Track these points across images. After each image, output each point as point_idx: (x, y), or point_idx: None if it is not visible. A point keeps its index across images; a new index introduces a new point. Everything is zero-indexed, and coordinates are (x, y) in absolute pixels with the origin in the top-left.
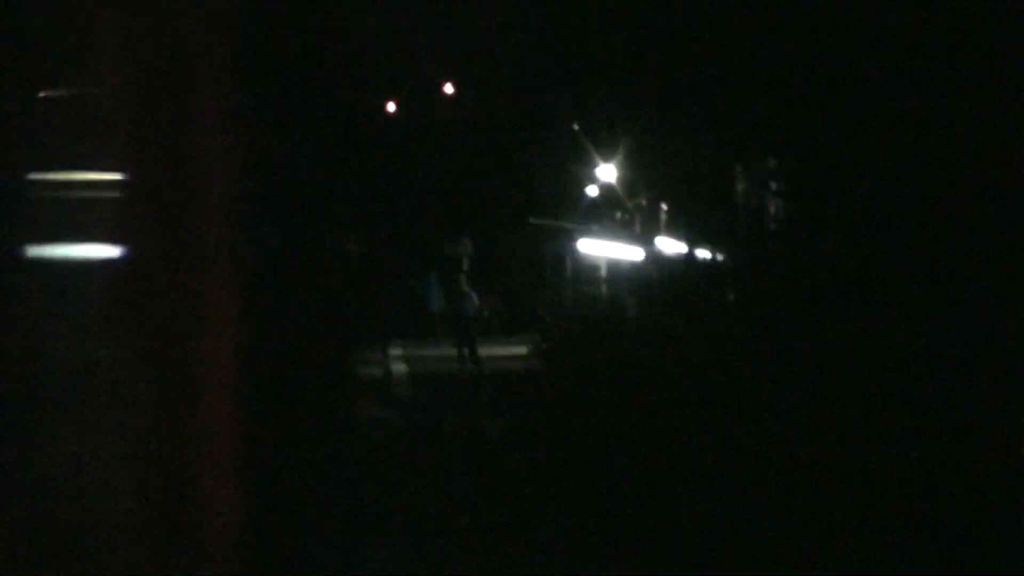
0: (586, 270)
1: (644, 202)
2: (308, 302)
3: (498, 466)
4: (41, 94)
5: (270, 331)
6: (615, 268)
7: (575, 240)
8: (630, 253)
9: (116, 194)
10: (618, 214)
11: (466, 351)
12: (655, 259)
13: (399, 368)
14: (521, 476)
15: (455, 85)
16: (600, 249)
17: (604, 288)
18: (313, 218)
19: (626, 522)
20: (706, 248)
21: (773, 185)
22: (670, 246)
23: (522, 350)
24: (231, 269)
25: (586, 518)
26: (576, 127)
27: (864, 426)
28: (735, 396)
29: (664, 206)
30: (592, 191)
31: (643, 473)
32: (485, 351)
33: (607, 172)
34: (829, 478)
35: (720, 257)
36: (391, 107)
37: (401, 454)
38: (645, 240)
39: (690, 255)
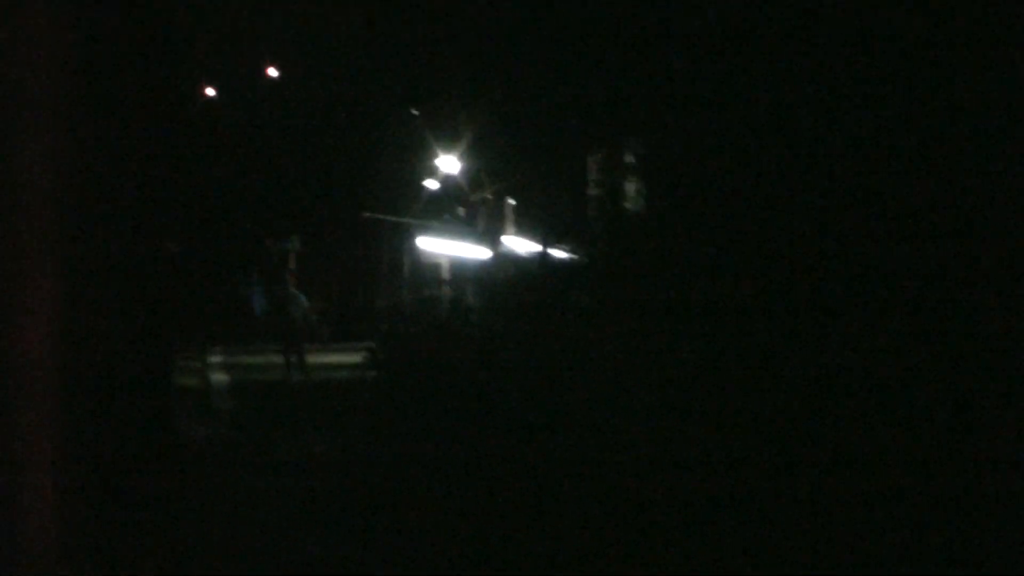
0: (426, 270)
1: (489, 196)
2: (117, 302)
3: (325, 496)
4: None
5: (72, 335)
6: (458, 269)
7: (414, 237)
8: (474, 252)
9: None
10: (460, 209)
11: (293, 359)
12: (502, 259)
13: (219, 378)
14: (351, 508)
15: (280, 68)
16: (441, 248)
17: (446, 291)
18: (122, 212)
19: (469, 547)
20: (558, 246)
21: (631, 176)
22: (518, 245)
23: (355, 358)
24: (34, 270)
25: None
26: (415, 113)
27: (734, 441)
28: (587, 412)
29: (510, 200)
30: (432, 184)
31: (485, 498)
32: (314, 359)
33: (448, 163)
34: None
35: (574, 257)
36: (210, 92)
37: (217, 481)
38: (490, 238)
39: (542, 255)
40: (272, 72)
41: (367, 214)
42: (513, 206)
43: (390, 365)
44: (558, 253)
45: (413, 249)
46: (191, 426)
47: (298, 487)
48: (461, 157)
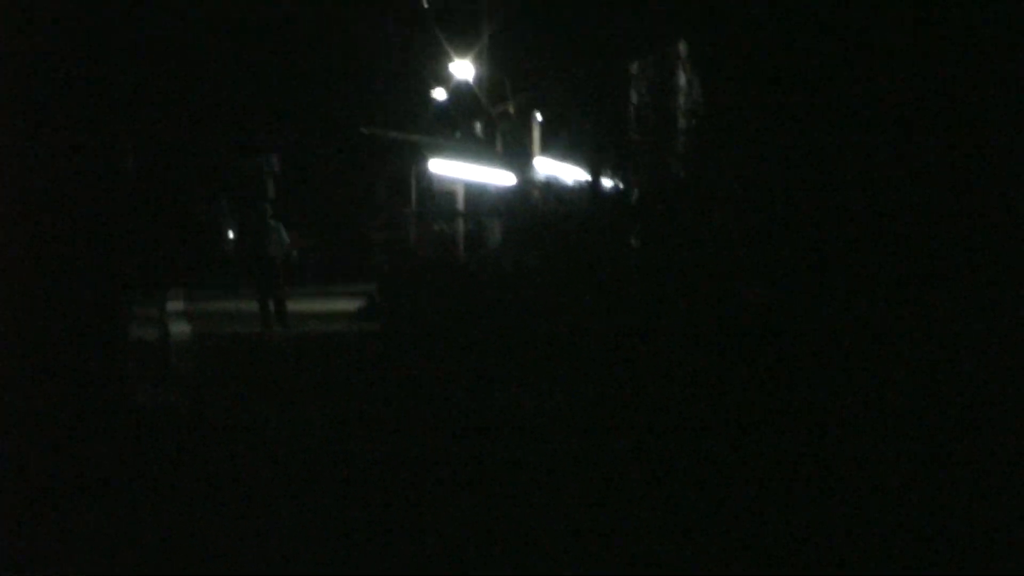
0: (437, 199)
1: (511, 110)
2: (57, 235)
3: (305, 483)
4: None
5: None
6: (476, 198)
7: (422, 159)
8: (496, 178)
9: None
10: (477, 125)
11: (271, 307)
12: (532, 186)
13: (181, 329)
14: (354, 514)
15: None
16: (456, 171)
17: (462, 225)
18: (61, 121)
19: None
20: (598, 172)
21: (683, 84)
22: (552, 169)
23: (348, 306)
24: None
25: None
26: (424, 4)
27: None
28: (637, 380)
29: (538, 115)
30: (441, 94)
31: (512, 488)
32: (296, 306)
33: (462, 69)
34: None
35: (621, 186)
36: None
37: (176, 461)
38: (516, 160)
39: (592, 184)
40: None
41: (364, 129)
42: (540, 122)
43: (394, 316)
44: (603, 181)
45: (422, 173)
46: (145, 391)
47: (275, 472)
48: (478, 61)
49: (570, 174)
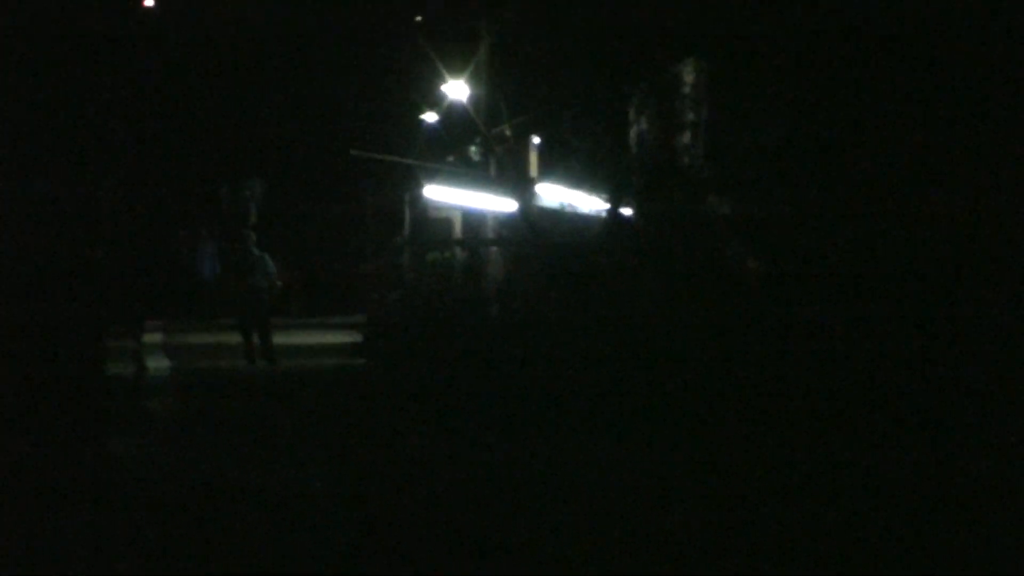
0: (432, 227)
1: (508, 132)
2: (32, 267)
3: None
4: None
5: None
6: (474, 225)
7: (416, 185)
8: (495, 204)
9: None
10: (472, 149)
11: (256, 340)
12: (539, 215)
13: (158, 364)
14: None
15: None
16: (453, 197)
17: (460, 254)
18: (38, 150)
19: None
20: (619, 202)
21: (688, 105)
22: (555, 194)
23: (336, 340)
24: None
25: None
26: (416, 21)
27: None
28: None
29: (535, 139)
30: (431, 117)
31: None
32: (281, 340)
33: (456, 89)
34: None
35: (626, 213)
36: (148, 1)
37: (152, 520)
38: (515, 186)
39: (611, 212)
40: None
41: (353, 152)
42: (538, 145)
43: (386, 354)
44: (612, 208)
45: (415, 199)
46: (119, 438)
47: (263, 534)
48: (473, 81)
49: (578, 201)
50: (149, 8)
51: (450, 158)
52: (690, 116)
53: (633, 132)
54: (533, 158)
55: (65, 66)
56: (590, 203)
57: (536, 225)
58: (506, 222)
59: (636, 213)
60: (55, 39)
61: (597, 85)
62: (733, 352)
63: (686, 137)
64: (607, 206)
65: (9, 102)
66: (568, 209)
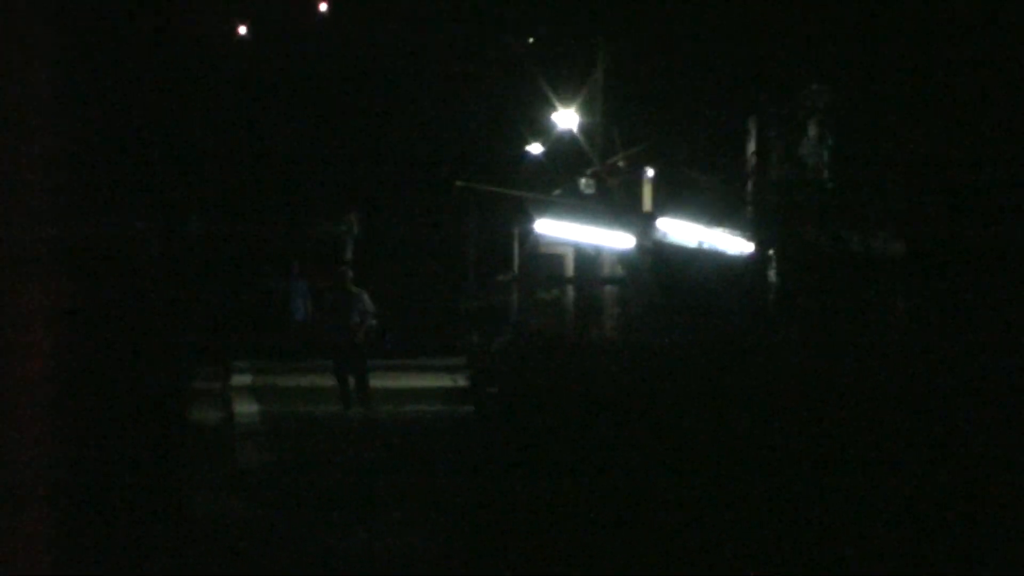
0: (542, 263)
1: (621, 164)
2: (119, 309)
3: None
4: None
5: (67, 355)
6: (588, 262)
7: (526, 218)
8: (612, 239)
9: None
10: (583, 181)
11: (352, 383)
12: (664, 251)
13: (247, 409)
14: None
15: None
16: (566, 232)
17: (573, 293)
18: (128, 189)
19: None
20: (738, 234)
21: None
22: (675, 230)
23: (436, 383)
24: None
25: None
26: (524, 45)
27: None
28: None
29: (649, 170)
30: (535, 148)
31: None
32: (379, 383)
33: (566, 119)
34: None
35: (753, 249)
36: (242, 31)
37: None
38: (633, 221)
39: (758, 251)
40: (323, 5)
41: (459, 183)
42: (651, 177)
43: (499, 398)
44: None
45: (525, 234)
46: (205, 495)
47: None
48: (583, 111)
49: (710, 238)
50: (243, 38)
51: (557, 191)
52: (817, 146)
53: (751, 161)
54: (647, 191)
55: (153, 98)
56: (718, 240)
57: (666, 263)
58: (626, 259)
59: (776, 253)
60: (146, 73)
61: (719, 112)
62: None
63: (813, 168)
64: (744, 244)
65: (95, 134)
66: (705, 247)
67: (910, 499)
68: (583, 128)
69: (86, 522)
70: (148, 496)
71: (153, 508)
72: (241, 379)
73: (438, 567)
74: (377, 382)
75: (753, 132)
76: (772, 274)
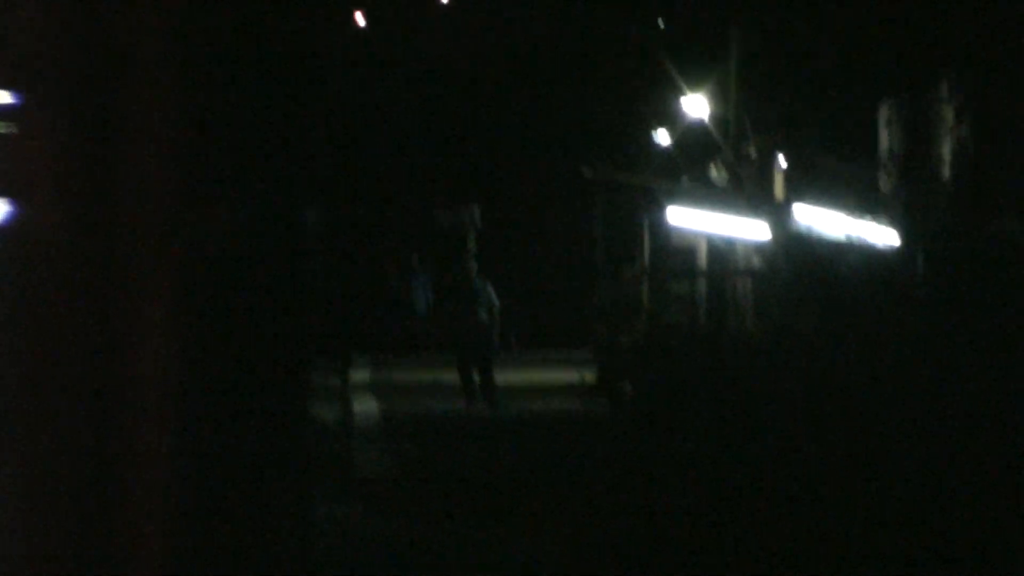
0: (673, 255)
1: (752, 152)
2: (235, 304)
3: None
4: None
5: (186, 351)
6: (722, 254)
7: (656, 208)
8: (746, 229)
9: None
10: (713, 169)
11: (476, 379)
12: (797, 240)
13: (367, 407)
14: None
15: None
16: (699, 222)
17: (704, 285)
18: (249, 181)
19: None
20: (886, 225)
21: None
22: (814, 219)
23: (564, 377)
24: (145, 269)
25: None
26: (657, 29)
27: None
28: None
29: (782, 158)
30: (663, 135)
31: None
32: (504, 378)
33: (695, 105)
34: None
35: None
36: (360, 21)
37: None
38: (767, 211)
39: (908, 245)
40: None
41: (586, 171)
42: (785, 167)
43: (632, 397)
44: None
45: (656, 224)
46: (323, 501)
47: None
48: (713, 97)
49: (859, 229)
50: (362, 30)
51: (684, 178)
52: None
53: (887, 150)
54: (779, 179)
55: (272, 86)
56: (863, 231)
57: (811, 256)
58: (762, 250)
59: (925, 247)
60: (266, 62)
61: (854, 98)
62: None
63: (949, 159)
64: (888, 235)
65: (212, 121)
66: (855, 240)
67: None
68: (713, 116)
69: (203, 526)
70: (269, 500)
71: (274, 513)
72: (360, 375)
73: None
74: (501, 376)
75: (895, 119)
76: (920, 267)
